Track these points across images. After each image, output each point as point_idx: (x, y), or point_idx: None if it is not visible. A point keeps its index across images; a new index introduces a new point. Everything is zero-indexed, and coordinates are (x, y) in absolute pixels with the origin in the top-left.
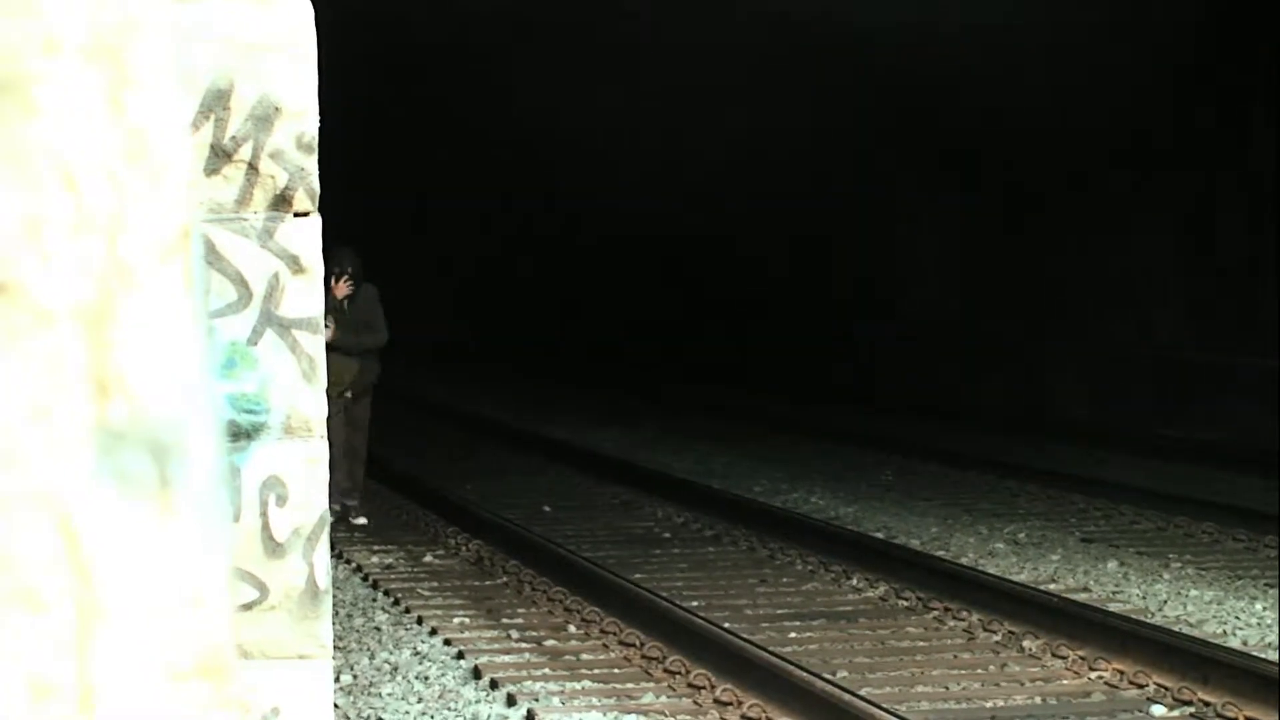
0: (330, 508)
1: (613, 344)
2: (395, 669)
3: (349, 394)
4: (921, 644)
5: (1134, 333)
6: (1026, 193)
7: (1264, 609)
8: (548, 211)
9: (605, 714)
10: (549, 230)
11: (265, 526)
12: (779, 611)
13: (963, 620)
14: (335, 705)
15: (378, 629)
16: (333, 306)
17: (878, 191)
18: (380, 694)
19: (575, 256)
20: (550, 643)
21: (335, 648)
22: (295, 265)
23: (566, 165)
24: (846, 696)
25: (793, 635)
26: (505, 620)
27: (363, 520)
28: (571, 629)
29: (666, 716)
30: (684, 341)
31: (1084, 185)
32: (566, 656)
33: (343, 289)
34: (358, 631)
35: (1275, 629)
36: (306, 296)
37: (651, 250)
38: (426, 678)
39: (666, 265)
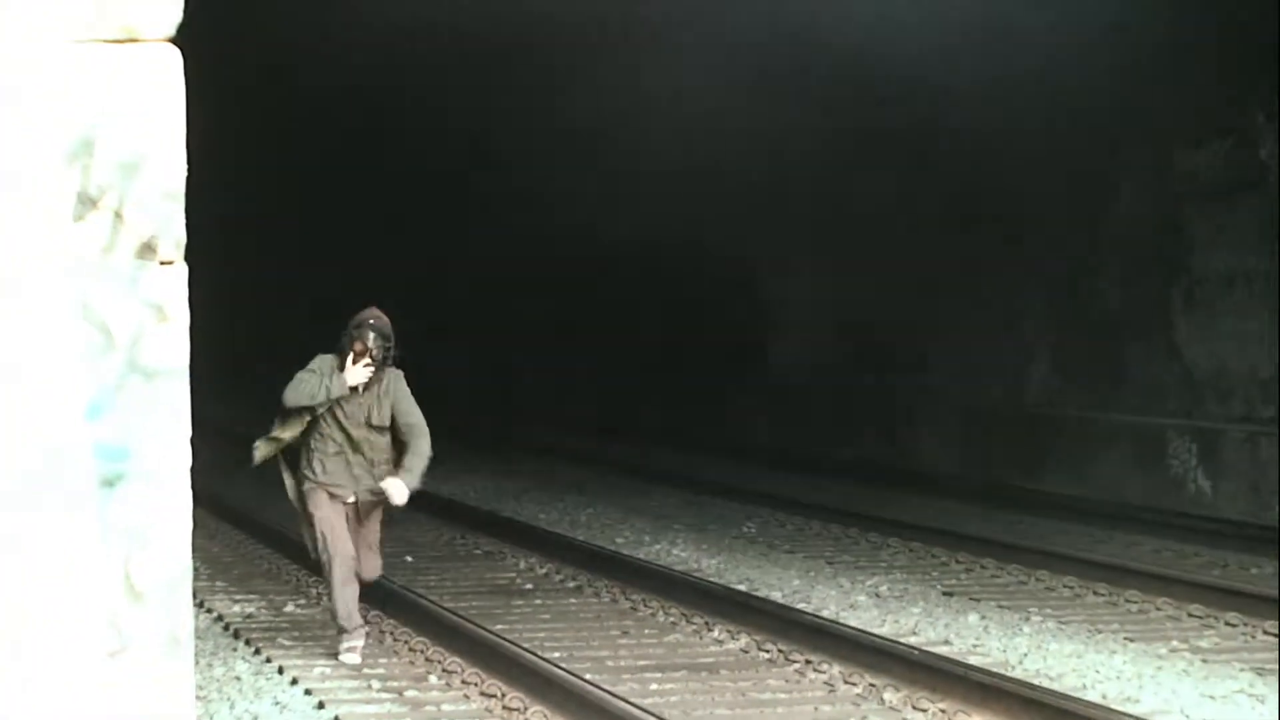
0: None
1: (489, 394)
2: (255, 719)
3: (352, 500)
4: (783, 696)
5: (1001, 387)
6: (896, 245)
7: (1123, 662)
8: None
9: None
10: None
11: (127, 575)
12: (641, 663)
13: (824, 673)
14: None
15: (238, 678)
16: (339, 393)
17: (751, 239)
18: None
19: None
20: (411, 693)
21: (195, 697)
22: (160, 314)
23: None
24: None
25: (654, 687)
26: (367, 670)
27: (355, 659)
28: (433, 680)
29: None
30: (557, 389)
31: (954, 240)
32: (428, 707)
33: (359, 373)
34: (218, 680)
35: (1134, 681)
36: (171, 346)
37: (525, 291)
38: None
39: (539, 305)
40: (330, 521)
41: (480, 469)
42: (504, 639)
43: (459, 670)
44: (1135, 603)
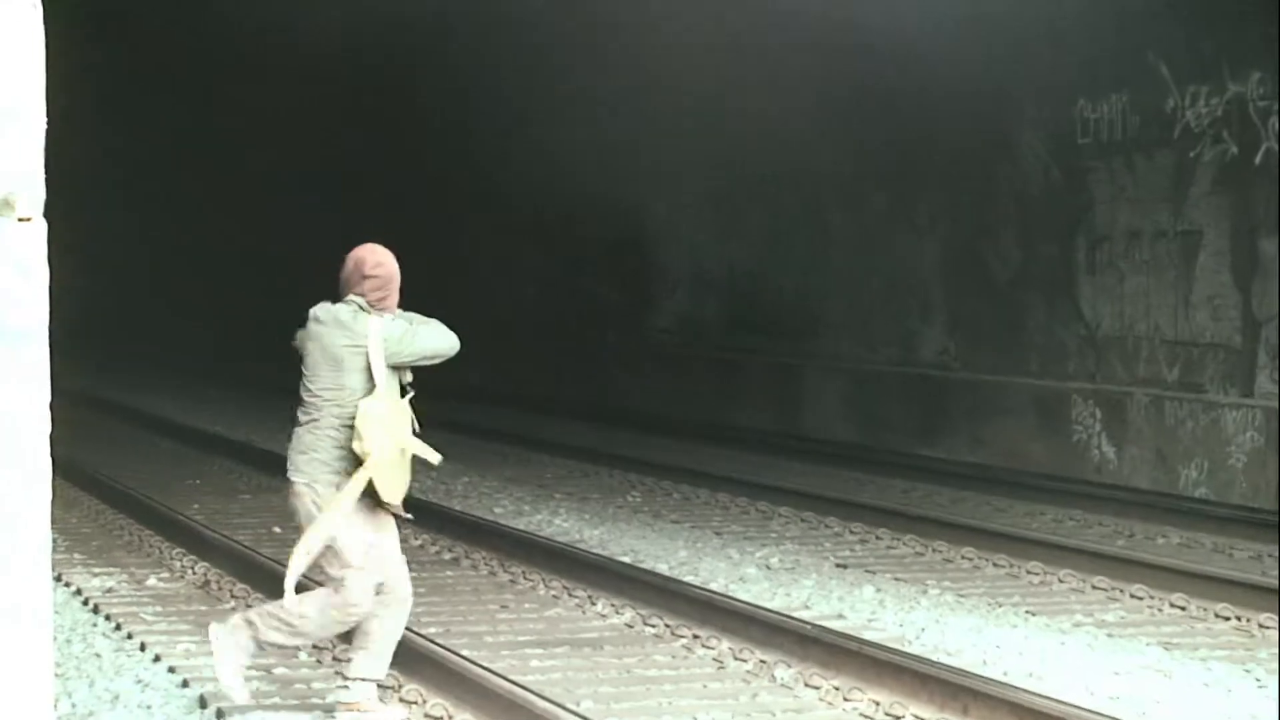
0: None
1: None
2: (116, 697)
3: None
4: (669, 673)
5: (895, 349)
6: (790, 206)
7: (1025, 637)
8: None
9: None
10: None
11: None
12: (521, 638)
13: (712, 648)
14: None
15: (98, 655)
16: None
17: (635, 200)
18: None
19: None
20: (280, 670)
21: (53, 675)
22: (18, 272)
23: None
24: None
25: (535, 664)
26: None
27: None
28: (302, 656)
29: None
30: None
31: (845, 198)
32: (297, 685)
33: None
34: (77, 658)
35: (1037, 657)
36: (30, 306)
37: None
38: (149, 706)
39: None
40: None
41: None
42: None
43: (329, 647)
44: (1037, 574)
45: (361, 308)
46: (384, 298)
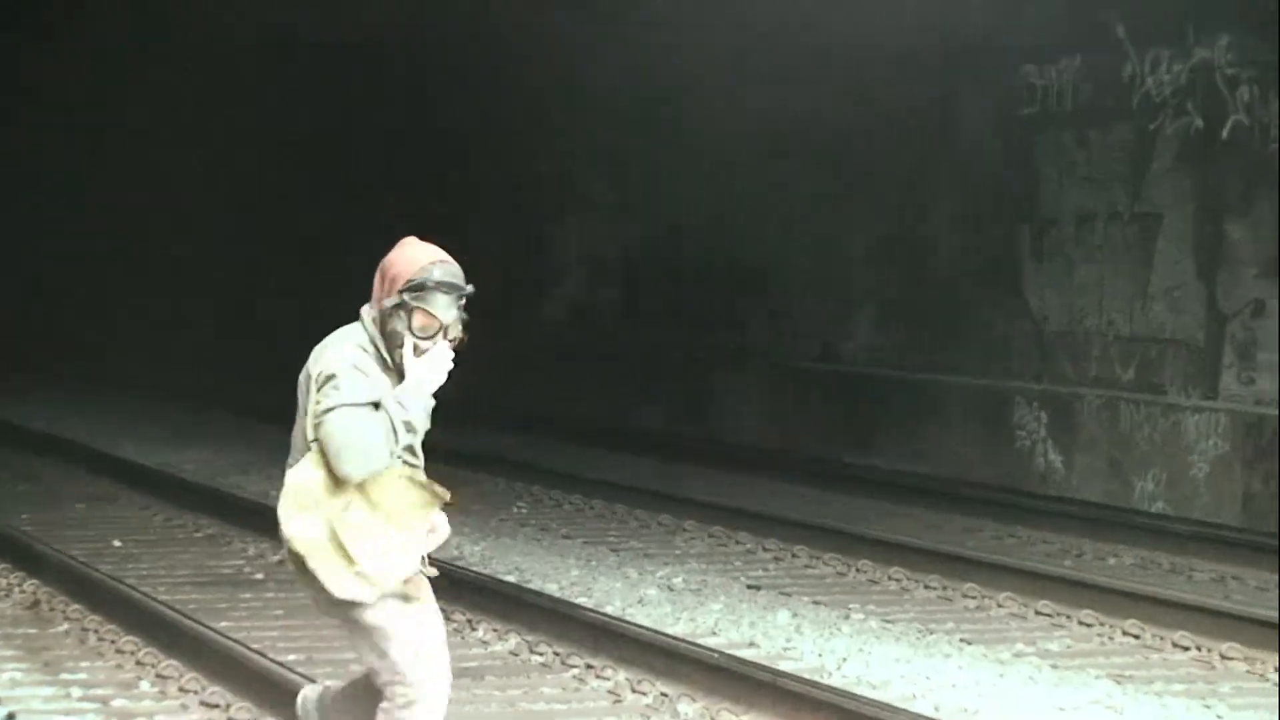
0: None
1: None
2: None
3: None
4: (560, 706)
5: (818, 344)
6: (694, 180)
7: (959, 668)
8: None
9: None
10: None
11: None
12: None
13: (607, 679)
14: None
15: None
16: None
17: (527, 176)
18: None
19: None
20: (119, 703)
21: None
22: None
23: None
24: None
25: None
26: (65, 676)
27: None
28: (145, 686)
29: None
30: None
31: (762, 172)
32: (139, 719)
33: (438, 361)
34: None
35: (973, 690)
36: None
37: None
38: None
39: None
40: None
41: (195, 439)
42: (230, 638)
43: (176, 675)
44: (974, 598)
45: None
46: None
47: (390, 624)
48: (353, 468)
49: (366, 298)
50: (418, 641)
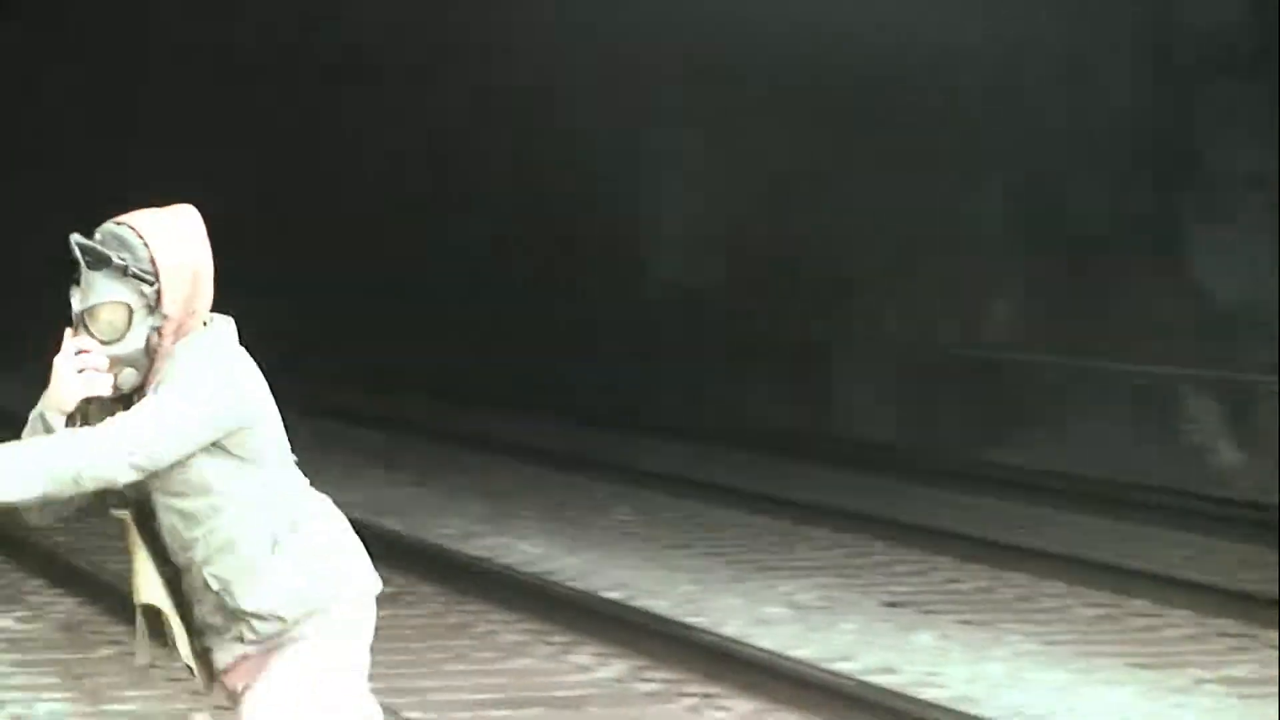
0: None
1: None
2: None
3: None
4: None
5: (953, 326)
6: (801, 141)
7: (1130, 697)
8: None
9: None
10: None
11: None
12: (479, 696)
13: (727, 710)
14: None
15: None
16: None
17: (612, 138)
18: None
19: None
20: None
21: None
22: None
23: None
24: None
25: None
26: (112, 705)
27: None
28: (197, 717)
29: None
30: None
31: (877, 133)
32: None
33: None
34: None
35: None
36: None
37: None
38: None
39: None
40: None
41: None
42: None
43: (232, 706)
44: (1144, 616)
45: None
46: None
47: None
48: None
49: None
50: None
